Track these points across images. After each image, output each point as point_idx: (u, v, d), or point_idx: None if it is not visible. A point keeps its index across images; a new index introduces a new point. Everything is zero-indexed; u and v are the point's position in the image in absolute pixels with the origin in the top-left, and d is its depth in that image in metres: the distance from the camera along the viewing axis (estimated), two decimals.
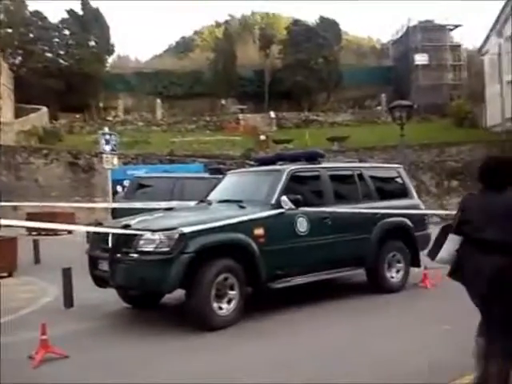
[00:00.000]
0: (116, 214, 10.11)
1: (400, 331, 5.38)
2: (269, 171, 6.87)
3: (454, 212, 3.66)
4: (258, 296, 5.94)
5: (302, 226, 6.21)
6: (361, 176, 7.30)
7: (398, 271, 7.35)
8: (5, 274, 8.78)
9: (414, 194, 8.09)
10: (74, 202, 16.96)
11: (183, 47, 52.81)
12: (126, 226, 5.56)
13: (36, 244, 10.49)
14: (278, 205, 6.08)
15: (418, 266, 7.65)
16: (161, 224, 5.58)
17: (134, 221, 5.76)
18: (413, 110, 14.11)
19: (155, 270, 5.26)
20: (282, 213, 6.06)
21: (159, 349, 4.85)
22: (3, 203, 13.19)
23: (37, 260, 10.34)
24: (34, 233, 15.53)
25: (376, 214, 7.01)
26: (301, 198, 6.11)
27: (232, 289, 5.59)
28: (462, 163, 22.66)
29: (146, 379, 4.10)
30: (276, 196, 6.15)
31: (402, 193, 7.89)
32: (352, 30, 53.84)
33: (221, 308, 5.49)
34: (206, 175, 11.49)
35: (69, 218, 17.18)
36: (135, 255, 5.34)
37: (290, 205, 6.05)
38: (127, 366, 4.42)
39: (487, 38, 32.69)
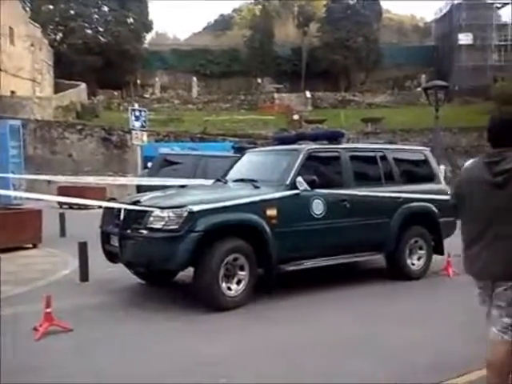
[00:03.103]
0: (141, 190, 10.16)
1: (414, 320, 5.18)
2: (287, 151, 6.68)
3: None
4: (269, 278, 5.81)
5: (318, 208, 6.02)
6: (384, 158, 7.01)
7: (419, 258, 7.09)
8: (30, 246, 8.96)
9: (441, 178, 7.76)
10: (105, 178, 17.19)
11: (222, 25, 52.41)
12: (137, 202, 5.52)
13: (62, 217, 10.65)
14: (293, 185, 5.91)
15: (442, 253, 7.38)
16: (171, 201, 5.52)
17: (145, 197, 5.72)
18: (449, 91, 13.48)
19: (163, 248, 5.21)
20: (297, 194, 5.89)
21: (164, 327, 4.83)
22: (36, 176, 13.51)
23: (63, 233, 10.51)
24: (66, 206, 15.82)
25: (398, 198, 6.74)
26: (317, 179, 5.91)
27: (242, 269, 5.50)
28: None
29: (147, 358, 4.06)
30: (291, 176, 5.97)
31: (428, 177, 7.56)
32: (394, 8, 52.31)
33: (229, 288, 5.41)
34: (230, 154, 11.39)
35: (99, 193, 17.44)
36: (144, 232, 5.29)
37: (306, 186, 5.86)
38: (129, 343, 4.40)
39: None
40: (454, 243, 7.56)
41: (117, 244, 5.53)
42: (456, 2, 36.28)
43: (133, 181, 10.26)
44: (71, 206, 15.91)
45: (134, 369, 3.84)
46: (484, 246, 3.05)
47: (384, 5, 40.45)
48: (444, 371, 3.84)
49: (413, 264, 7.03)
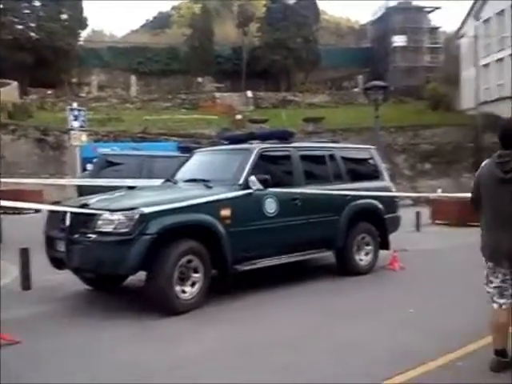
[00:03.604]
0: (82, 192, 9.79)
1: (365, 314, 5.31)
2: (238, 150, 6.64)
3: (426, 194, 3.90)
4: (223, 279, 5.75)
5: (271, 207, 6.03)
6: (332, 157, 7.13)
7: (366, 254, 7.28)
8: None
9: (386, 175, 7.98)
10: (57, 180, 16.45)
11: (160, 23, 51.51)
12: (84, 205, 5.29)
13: None
14: (246, 185, 5.88)
15: (388, 248, 7.60)
16: (120, 204, 5.33)
17: (92, 200, 5.50)
18: (388, 91, 13.93)
19: (114, 252, 5.02)
20: (250, 193, 5.87)
21: (116, 334, 4.65)
22: None
23: None
24: (0, 211, 14.97)
25: (346, 195, 6.87)
26: (269, 178, 5.92)
27: (196, 271, 5.40)
28: (436, 146, 22.76)
29: (101, 367, 3.90)
30: (244, 176, 5.94)
31: (374, 174, 7.77)
32: (330, 10, 53.45)
33: (184, 291, 5.31)
34: (177, 154, 11.21)
35: (36, 196, 16.66)
36: (93, 236, 5.08)
37: (259, 185, 5.85)
38: (81, 353, 4.21)
39: (464, 20, 32.73)
40: (398, 238, 7.83)
41: (63, 249, 5.28)
42: (390, 5, 37.58)
43: (80, 182, 9.84)
44: (5, 211, 15.09)
45: (88, 380, 3.67)
46: (495, 233, 3.64)
47: (321, 6, 41.25)
48: (400, 362, 3.93)
49: (361, 260, 7.19)
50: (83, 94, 35.28)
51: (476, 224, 13.12)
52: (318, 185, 6.72)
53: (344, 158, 7.27)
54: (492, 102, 27.95)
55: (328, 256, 7.28)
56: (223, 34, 40.21)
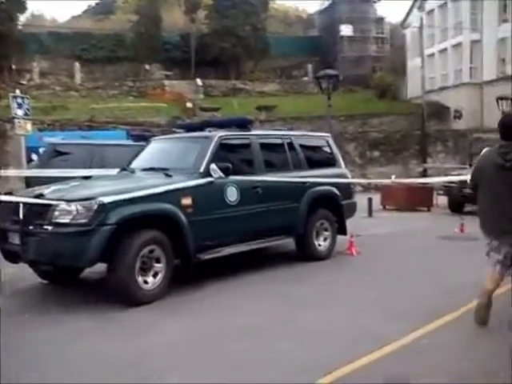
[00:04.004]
0: (30, 183, 9.39)
1: (326, 300, 5.40)
2: (197, 138, 6.55)
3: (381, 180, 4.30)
4: (185, 268, 5.68)
5: (232, 195, 6.00)
6: (291, 144, 7.17)
7: (325, 239, 7.39)
8: None
9: (342, 163, 8.10)
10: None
11: (103, 9, 49.82)
12: (39, 196, 5.07)
13: None
14: (207, 173, 5.82)
15: (345, 233, 7.75)
16: (78, 194, 5.15)
17: (47, 190, 5.27)
18: (339, 80, 14.11)
19: (72, 244, 4.85)
20: (211, 182, 5.81)
21: (77, 328, 4.49)
22: None
23: None
24: None
25: (305, 182, 6.93)
26: (230, 166, 5.87)
27: (158, 261, 5.31)
28: (384, 134, 23.35)
29: (61, 364, 3.76)
30: (205, 164, 5.87)
31: (330, 162, 7.87)
32: None
33: (146, 282, 5.21)
34: (129, 142, 10.93)
35: None
36: (49, 227, 4.88)
37: (220, 173, 5.80)
38: (40, 350, 4.04)
39: (409, 11, 33.61)
40: (351, 224, 7.98)
41: (17, 242, 5.04)
42: None
43: (32, 173, 9.42)
44: None
45: (52, 376, 3.53)
46: (494, 213, 4.25)
47: None
48: (364, 344, 4.02)
49: (319, 245, 7.31)
50: (24, 82, 33.71)
51: (422, 209, 13.60)
52: (278, 172, 6.74)
53: (302, 146, 7.33)
54: (436, 91, 28.95)
55: (286, 243, 7.35)
56: (171, 20, 39.37)
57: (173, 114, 25.52)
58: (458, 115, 27.10)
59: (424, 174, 18.23)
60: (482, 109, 26.73)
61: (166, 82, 33.69)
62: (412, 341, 4.12)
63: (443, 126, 26.20)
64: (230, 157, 6.24)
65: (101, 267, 5.34)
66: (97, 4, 53.89)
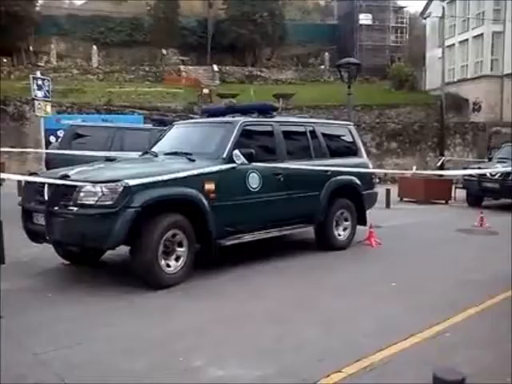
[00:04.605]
0: (50, 164, 9.46)
1: (350, 289, 5.38)
2: (220, 123, 6.52)
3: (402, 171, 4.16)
4: (208, 253, 5.70)
5: (254, 181, 5.99)
6: (313, 132, 7.11)
7: (345, 229, 7.36)
8: None
9: (364, 152, 8.04)
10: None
11: None
12: (64, 177, 5.09)
13: None
14: (230, 159, 5.80)
15: (365, 224, 7.71)
16: (103, 175, 5.16)
17: (72, 171, 5.29)
18: (361, 69, 13.93)
19: (97, 225, 4.87)
20: (234, 167, 5.79)
21: (100, 309, 4.54)
22: None
23: None
24: None
25: (327, 171, 6.89)
26: (254, 152, 5.85)
27: (180, 245, 5.33)
28: (402, 125, 23.12)
29: (86, 342, 3.80)
30: (228, 149, 5.85)
31: (352, 151, 7.82)
32: None
33: (168, 265, 5.24)
34: (149, 126, 10.96)
35: None
36: (75, 208, 4.91)
37: (243, 159, 5.77)
38: (70, 327, 4.09)
39: (430, 1, 33.04)
40: (370, 215, 7.93)
41: (43, 222, 5.08)
42: None
43: (60, 152, 9.47)
44: None
45: (81, 355, 3.57)
46: None
47: None
48: (389, 334, 4.01)
49: (339, 235, 7.28)
50: (41, 64, 33.87)
51: (439, 202, 13.66)
52: (300, 160, 6.69)
53: (324, 134, 7.27)
54: (455, 82, 28.55)
55: (303, 231, 7.33)
56: (188, 5, 39.13)
57: (189, 99, 25.49)
58: (477, 108, 26.72)
59: (442, 167, 18.03)
60: (502, 102, 26.33)
61: (182, 68, 33.64)
62: (436, 333, 4.10)
63: (461, 119, 25.88)
64: (253, 143, 6.21)
65: (121, 250, 5.38)
66: None
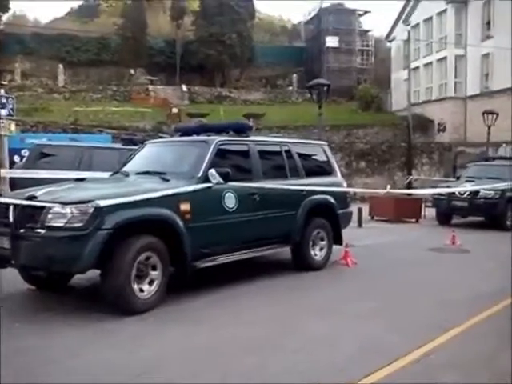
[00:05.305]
0: (16, 185, 9.09)
1: (330, 311, 5.25)
2: (194, 142, 6.37)
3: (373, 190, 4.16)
4: (182, 276, 5.48)
5: (230, 201, 5.84)
6: (288, 152, 7.04)
7: (321, 249, 7.27)
8: None
9: (338, 171, 8.01)
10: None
11: (86, 12, 49.35)
12: (31, 198, 4.82)
13: None
14: (205, 178, 5.64)
15: (341, 243, 7.64)
16: (73, 196, 4.91)
17: (40, 192, 5.02)
18: (329, 89, 14.08)
19: (66, 248, 4.61)
20: (210, 187, 5.63)
21: (67, 339, 4.25)
22: None
23: None
24: None
25: (302, 190, 6.81)
26: (230, 171, 5.71)
27: (154, 269, 5.11)
28: (370, 145, 23.45)
29: (52, 373, 3.53)
30: (203, 169, 5.70)
31: (327, 170, 7.78)
32: (263, 9, 53.62)
33: (141, 290, 4.99)
34: (118, 145, 10.72)
35: None
36: (42, 231, 4.64)
37: (219, 179, 5.62)
38: (37, 358, 3.80)
39: (394, 25, 34.01)
40: (346, 234, 7.87)
41: (7, 246, 4.78)
42: (323, 6, 38.24)
43: (22, 174, 9.11)
44: None
45: None
46: None
47: (255, 4, 41.16)
48: (374, 358, 3.89)
49: (315, 255, 7.17)
50: (5, 82, 33.08)
51: (410, 220, 13.82)
52: (276, 180, 6.59)
53: (299, 154, 7.21)
54: (420, 104, 29.27)
55: (280, 251, 7.19)
56: (156, 25, 39.13)
57: (158, 119, 25.27)
58: (442, 128, 27.42)
59: (409, 186, 18.29)
60: (466, 123, 27.09)
61: (151, 87, 33.44)
62: (422, 355, 3.99)
63: (427, 139, 26.48)
64: (228, 162, 6.07)
65: (90, 273, 5.12)
66: (80, 6, 53.34)
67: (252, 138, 6.67)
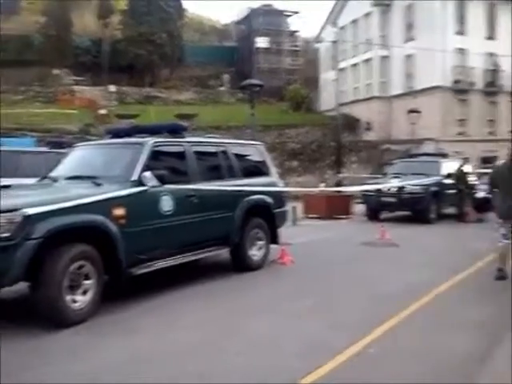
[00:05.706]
0: None
1: (269, 309, 5.28)
2: (127, 144, 6.17)
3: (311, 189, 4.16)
4: (117, 284, 5.29)
5: (167, 204, 5.70)
6: (225, 153, 7.00)
7: (259, 248, 7.29)
8: None
9: (274, 171, 8.06)
10: None
11: (4, 8, 46.79)
12: None
13: None
14: (140, 181, 5.47)
15: (277, 242, 7.71)
16: None
17: None
18: (261, 89, 14.18)
19: None
20: (145, 190, 5.47)
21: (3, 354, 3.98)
22: None
23: None
24: None
25: (240, 191, 6.79)
26: (166, 173, 5.58)
27: (88, 278, 4.89)
28: (301, 145, 23.88)
29: None
30: (137, 172, 5.52)
31: (263, 170, 7.81)
32: (192, 8, 53.22)
33: (75, 301, 4.76)
34: (44, 149, 10.21)
35: None
36: None
37: (155, 181, 5.48)
38: None
39: (323, 26, 34.85)
40: (281, 232, 7.93)
41: None
42: (253, 7, 38.58)
43: None
44: None
45: None
46: (507, 203, 6.41)
47: (184, 4, 40.76)
48: (315, 354, 3.95)
49: (254, 255, 7.18)
50: None
51: (340, 217, 14.05)
52: (213, 181, 6.53)
53: (235, 155, 7.18)
54: (348, 103, 30.19)
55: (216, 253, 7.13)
56: (82, 24, 37.77)
57: (85, 120, 24.42)
58: (369, 127, 28.41)
59: (339, 184, 18.79)
60: (391, 121, 28.25)
61: (76, 88, 32.26)
62: (361, 349, 4.09)
63: (355, 138, 27.34)
64: (164, 164, 5.93)
65: (18, 285, 4.82)
66: None
67: (188, 138, 6.56)
